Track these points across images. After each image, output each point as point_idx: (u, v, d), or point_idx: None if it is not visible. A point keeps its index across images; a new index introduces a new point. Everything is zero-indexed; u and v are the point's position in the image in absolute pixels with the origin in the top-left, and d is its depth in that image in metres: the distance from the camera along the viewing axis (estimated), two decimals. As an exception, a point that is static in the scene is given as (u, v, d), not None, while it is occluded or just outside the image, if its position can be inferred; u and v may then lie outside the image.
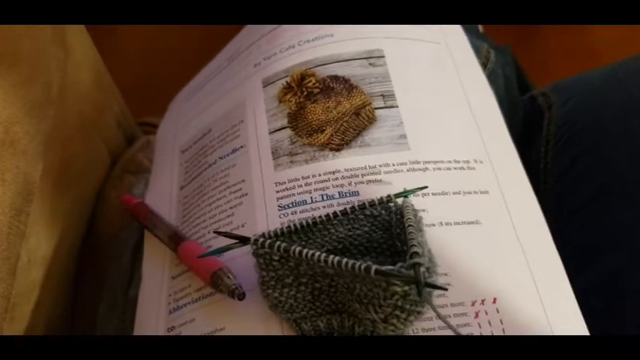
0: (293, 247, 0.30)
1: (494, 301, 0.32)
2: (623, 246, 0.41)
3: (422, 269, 0.29)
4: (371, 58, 0.40)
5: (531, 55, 1.00)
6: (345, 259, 0.29)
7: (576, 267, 0.37)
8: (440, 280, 0.32)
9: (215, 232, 0.35)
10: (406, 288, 0.28)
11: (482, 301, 0.32)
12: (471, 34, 0.53)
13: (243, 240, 0.32)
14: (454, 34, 0.45)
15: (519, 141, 0.48)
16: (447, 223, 0.35)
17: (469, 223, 0.35)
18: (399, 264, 0.28)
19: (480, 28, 0.95)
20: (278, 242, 0.31)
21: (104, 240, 0.48)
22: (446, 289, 0.29)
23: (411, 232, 0.30)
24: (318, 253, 0.30)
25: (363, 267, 0.28)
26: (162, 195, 0.43)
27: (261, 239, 0.31)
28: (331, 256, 0.29)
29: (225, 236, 0.33)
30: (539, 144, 0.49)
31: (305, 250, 0.30)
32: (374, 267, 0.28)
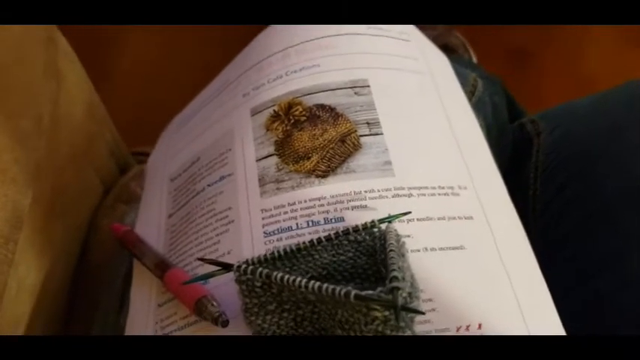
0: (275, 274, 0.30)
1: (480, 326, 0.32)
2: (610, 271, 0.41)
3: (403, 294, 0.29)
4: (356, 87, 0.41)
5: (526, 82, 1.01)
6: (325, 285, 0.29)
7: (565, 292, 0.37)
8: (424, 306, 0.32)
9: (198, 259, 0.35)
10: (386, 313, 0.28)
11: (467, 326, 0.32)
12: (460, 64, 0.54)
13: (227, 267, 0.32)
14: (439, 64, 0.46)
15: (509, 168, 0.48)
16: (431, 249, 0.35)
17: (454, 248, 0.35)
18: (379, 289, 0.28)
19: (474, 58, 0.97)
20: (260, 268, 0.31)
21: (96, 268, 0.49)
22: (423, 313, 0.29)
23: (392, 257, 0.30)
24: (299, 279, 0.30)
25: (342, 292, 0.28)
26: (150, 223, 0.43)
27: (244, 266, 0.31)
28: (312, 282, 0.29)
29: (209, 263, 0.33)
30: (529, 171, 0.50)
31: (287, 276, 0.30)
32: (353, 292, 0.28)
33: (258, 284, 0.31)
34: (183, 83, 0.54)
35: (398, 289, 0.28)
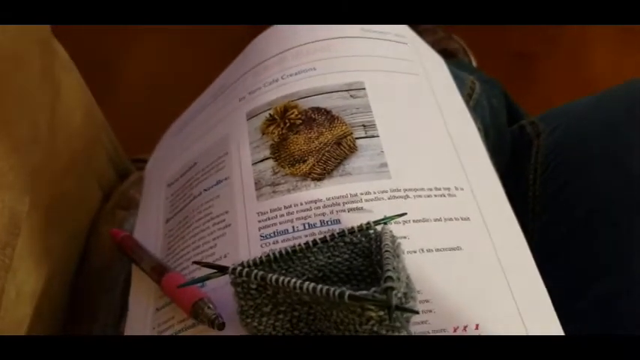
0: (270, 275, 0.30)
1: (477, 327, 0.32)
2: (612, 272, 0.41)
3: (398, 294, 0.29)
4: (352, 90, 0.41)
5: (528, 86, 1.01)
6: (319, 286, 0.29)
7: (566, 294, 0.37)
8: (421, 307, 0.32)
9: (194, 263, 0.35)
10: (381, 313, 0.28)
11: (465, 327, 0.32)
12: (459, 68, 0.54)
13: (222, 269, 0.32)
14: (435, 66, 0.46)
15: (508, 170, 0.48)
16: (428, 250, 0.35)
17: (450, 249, 0.35)
18: (373, 289, 0.28)
19: (474, 62, 0.97)
20: (255, 271, 0.31)
21: (97, 273, 0.49)
22: (417, 313, 0.29)
23: (387, 258, 0.30)
24: (293, 280, 0.30)
25: (337, 292, 0.28)
26: (148, 228, 0.43)
27: (239, 268, 0.31)
28: (306, 283, 0.29)
29: (205, 266, 0.33)
30: (528, 172, 0.50)
31: (281, 278, 0.30)
32: (347, 292, 0.28)
33: (254, 286, 0.31)
34: (184, 91, 0.55)
35: (392, 288, 0.28)
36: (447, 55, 0.94)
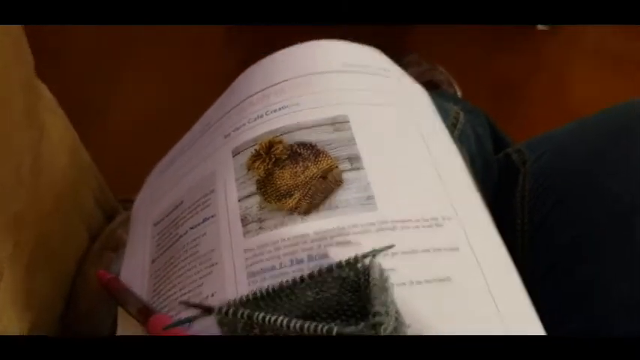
0: (256, 314, 0.30)
1: (469, 359, 0.32)
2: (597, 297, 0.41)
3: (388, 329, 0.28)
4: (336, 123, 0.41)
5: (515, 114, 1.02)
6: (307, 323, 0.29)
7: (557, 319, 0.36)
8: (412, 341, 0.32)
9: (181, 303, 0.34)
10: (371, 349, 0.28)
11: (457, 359, 0.32)
12: (443, 99, 0.54)
13: (208, 310, 0.32)
14: (417, 98, 0.46)
15: (496, 198, 0.48)
16: (417, 282, 0.34)
17: (440, 280, 0.35)
18: (362, 324, 0.28)
19: (459, 92, 0.99)
20: (242, 310, 0.30)
21: (85, 316, 0.48)
22: (406, 348, 0.29)
23: (374, 292, 0.30)
24: (280, 319, 0.29)
25: (324, 330, 0.28)
26: (135, 269, 0.43)
27: (225, 308, 0.31)
28: (294, 321, 0.29)
29: (191, 307, 0.33)
30: (516, 201, 0.50)
31: (268, 316, 0.30)
32: (335, 329, 0.28)
33: (241, 326, 0.31)
34: (171, 130, 0.55)
35: (381, 324, 0.27)
36: (432, 86, 0.96)
